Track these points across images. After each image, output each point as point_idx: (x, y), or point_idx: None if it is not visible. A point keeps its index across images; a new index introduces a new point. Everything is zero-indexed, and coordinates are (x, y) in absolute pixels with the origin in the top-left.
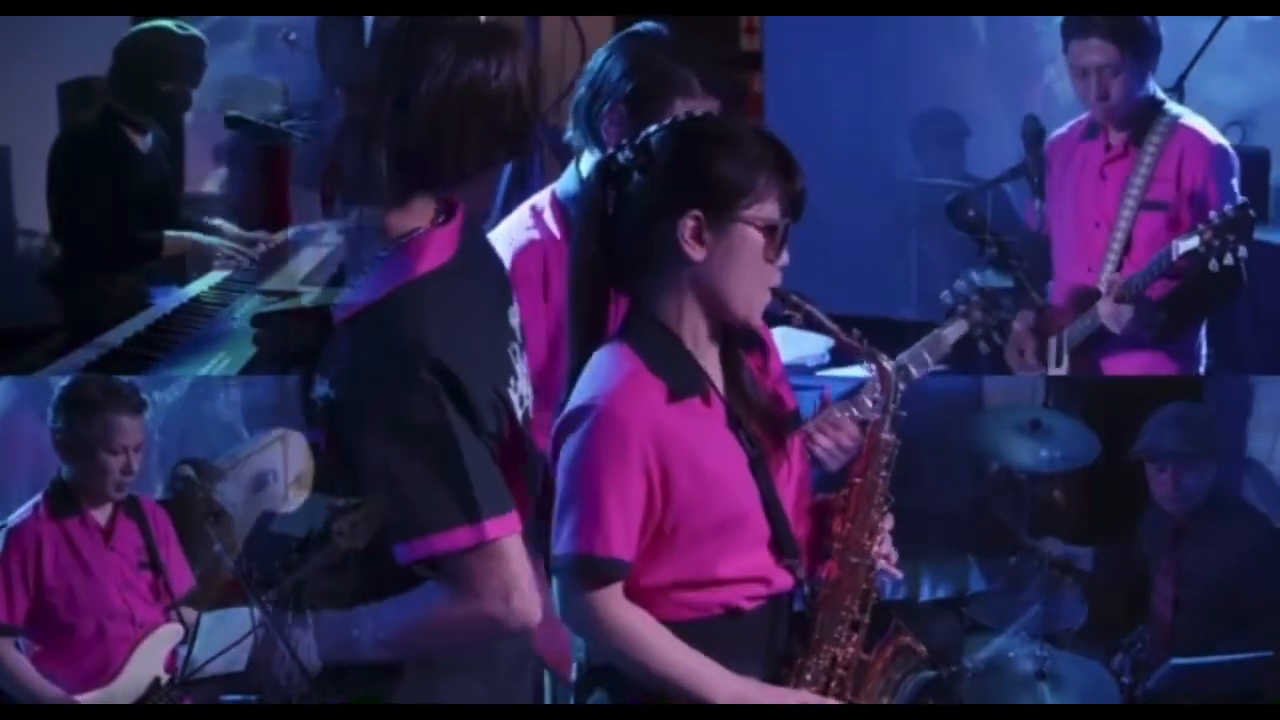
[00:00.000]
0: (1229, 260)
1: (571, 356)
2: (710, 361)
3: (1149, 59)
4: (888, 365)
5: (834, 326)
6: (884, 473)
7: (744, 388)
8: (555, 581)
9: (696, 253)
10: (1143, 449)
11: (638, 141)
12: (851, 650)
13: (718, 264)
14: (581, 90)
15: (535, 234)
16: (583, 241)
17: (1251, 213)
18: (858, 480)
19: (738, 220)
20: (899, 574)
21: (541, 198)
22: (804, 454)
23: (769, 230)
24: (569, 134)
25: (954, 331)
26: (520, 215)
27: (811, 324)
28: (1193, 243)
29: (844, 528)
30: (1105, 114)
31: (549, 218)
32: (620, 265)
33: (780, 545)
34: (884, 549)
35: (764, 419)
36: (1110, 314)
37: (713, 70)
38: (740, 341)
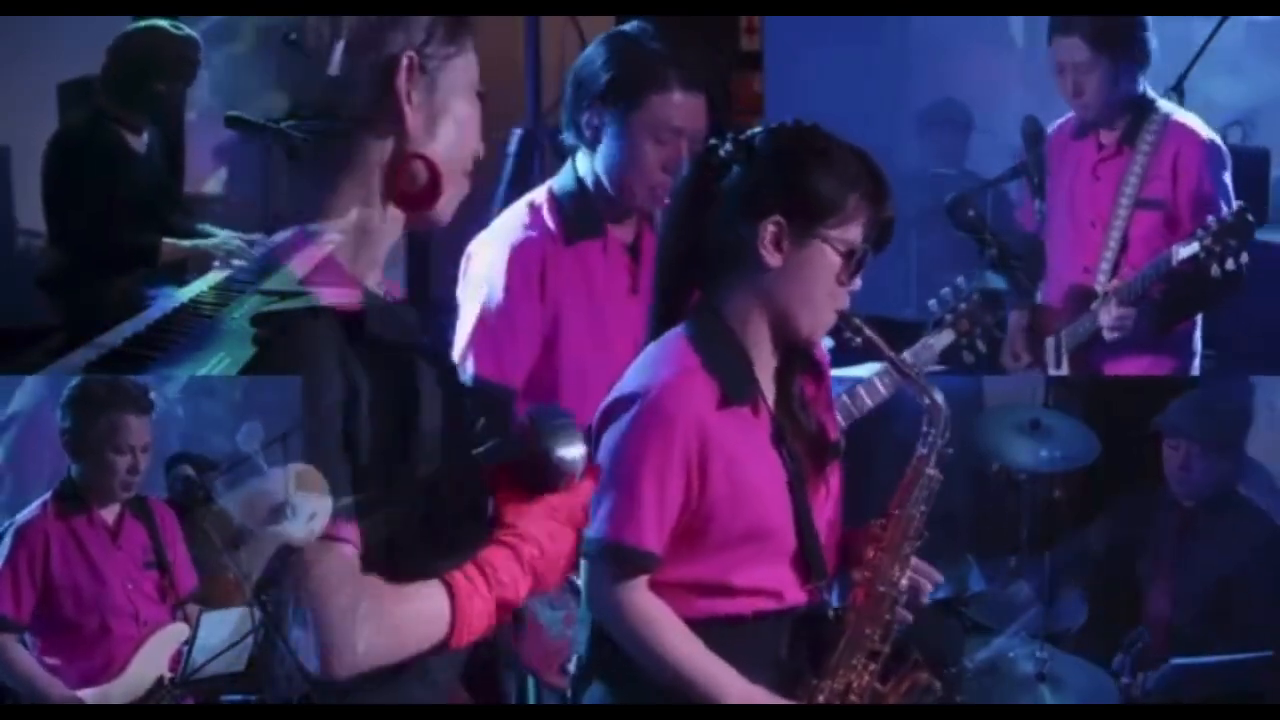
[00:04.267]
0: (1230, 265)
1: (647, 338)
2: (766, 373)
3: (1129, 58)
4: (939, 399)
5: (891, 354)
6: (923, 507)
7: (793, 406)
8: (584, 565)
9: (773, 259)
10: (1160, 424)
11: (742, 138)
12: (868, 678)
13: (791, 276)
14: (567, 89)
15: (534, 232)
16: (673, 228)
17: (1250, 217)
18: (896, 512)
19: (819, 236)
20: (909, 617)
21: (539, 194)
22: (839, 477)
23: (848, 253)
24: (564, 134)
25: (940, 340)
26: (518, 211)
27: (871, 349)
28: (1192, 248)
29: (876, 556)
30: (1081, 110)
31: (547, 215)
32: (701, 257)
33: (809, 565)
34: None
35: (808, 441)
36: (1111, 321)
37: (694, 65)
38: (799, 361)
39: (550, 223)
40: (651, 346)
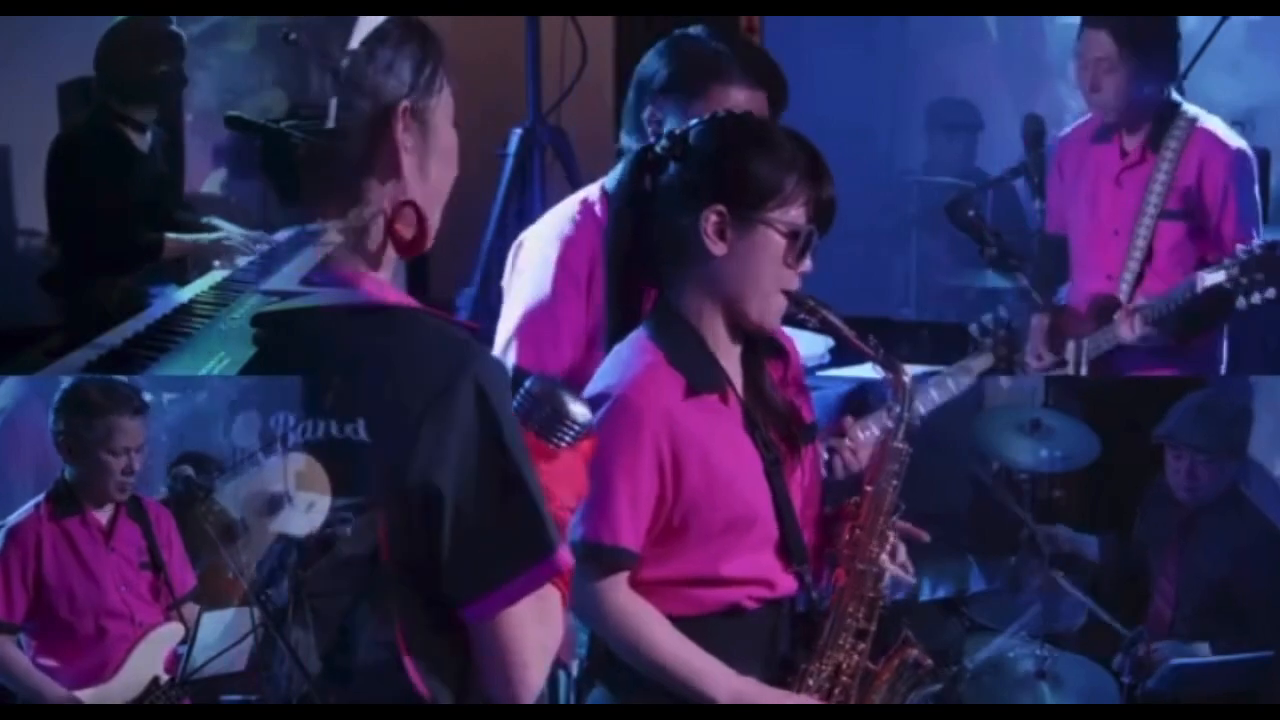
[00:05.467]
0: (1257, 299)
1: (606, 344)
2: (731, 362)
3: (1153, 60)
4: (904, 373)
5: (850, 333)
6: (895, 481)
7: (763, 392)
8: None
9: (717, 248)
10: (1163, 435)
11: (678, 133)
12: (857, 658)
13: (737, 262)
14: (630, 94)
15: (585, 228)
16: (617, 229)
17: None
18: (869, 488)
19: (761, 221)
20: (912, 579)
21: (592, 191)
22: (818, 463)
23: (792, 235)
24: (623, 139)
25: (980, 363)
26: (570, 206)
27: (828, 329)
28: (1219, 277)
29: (853, 534)
30: (1097, 108)
31: (599, 212)
32: (651, 255)
33: (789, 550)
34: (900, 557)
35: (781, 424)
36: (1133, 338)
37: (756, 63)
38: (762, 347)
39: (602, 217)
40: (616, 349)
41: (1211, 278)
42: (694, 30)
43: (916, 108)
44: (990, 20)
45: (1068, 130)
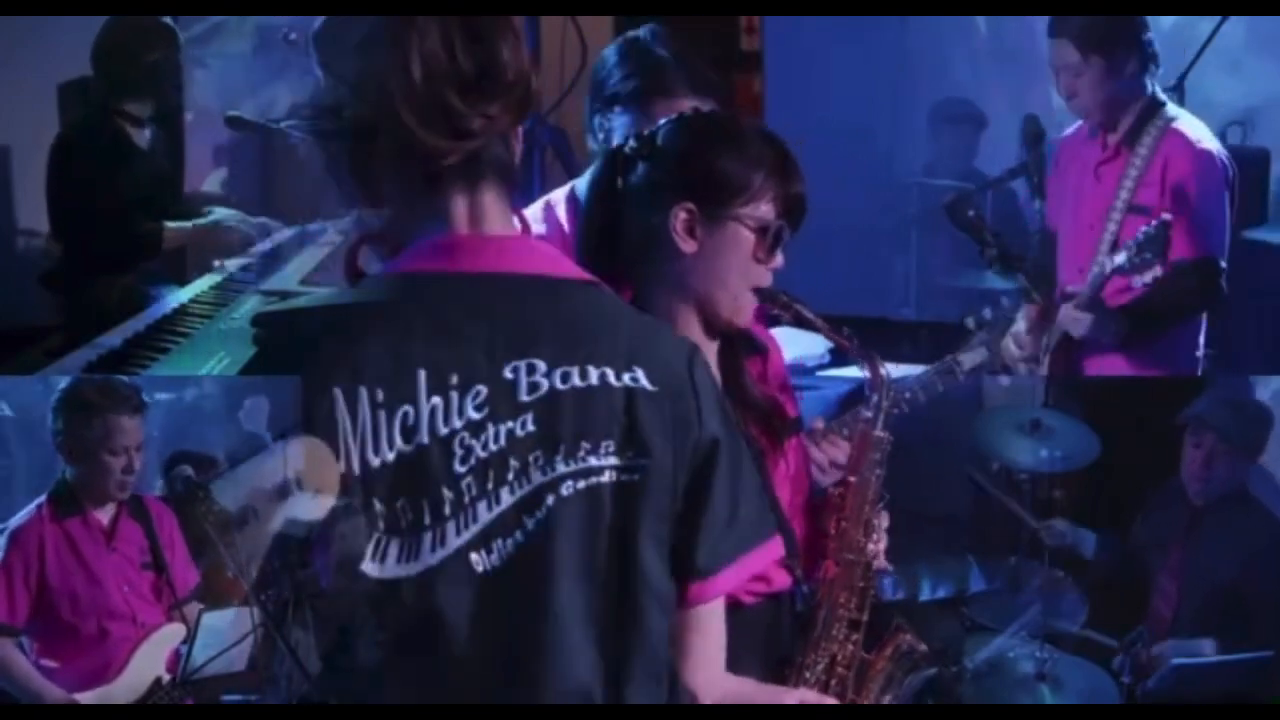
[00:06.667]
0: (1149, 278)
1: None
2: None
3: (1123, 59)
4: (880, 364)
5: (824, 325)
6: (878, 470)
7: (741, 388)
8: None
9: (687, 245)
10: (1190, 416)
11: (646, 133)
12: (851, 649)
13: (707, 259)
14: (587, 97)
15: (541, 228)
16: (588, 229)
17: (1169, 232)
18: (852, 478)
19: (730, 218)
20: (889, 566)
21: (558, 193)
22: (800, 455)
23: (761, 230)
24: (586, 136)
25: (972, 359)
26: (534, 210)
27: (801, 323)
28: (1120, 260)
29: (839, 526)
30: (1077, 113)
31: (561, 213)
32: (622, 255)
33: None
34: (879, 546)
35: (761, 419)
36: (1069, 319)
37: (700, 71)
38: (740, 344)
39: (564, 220)
40: None
41: (1116, 260)
42: (643, 34)
43: (917, 108)
44: (981, 20)
45: (1070, 130)
